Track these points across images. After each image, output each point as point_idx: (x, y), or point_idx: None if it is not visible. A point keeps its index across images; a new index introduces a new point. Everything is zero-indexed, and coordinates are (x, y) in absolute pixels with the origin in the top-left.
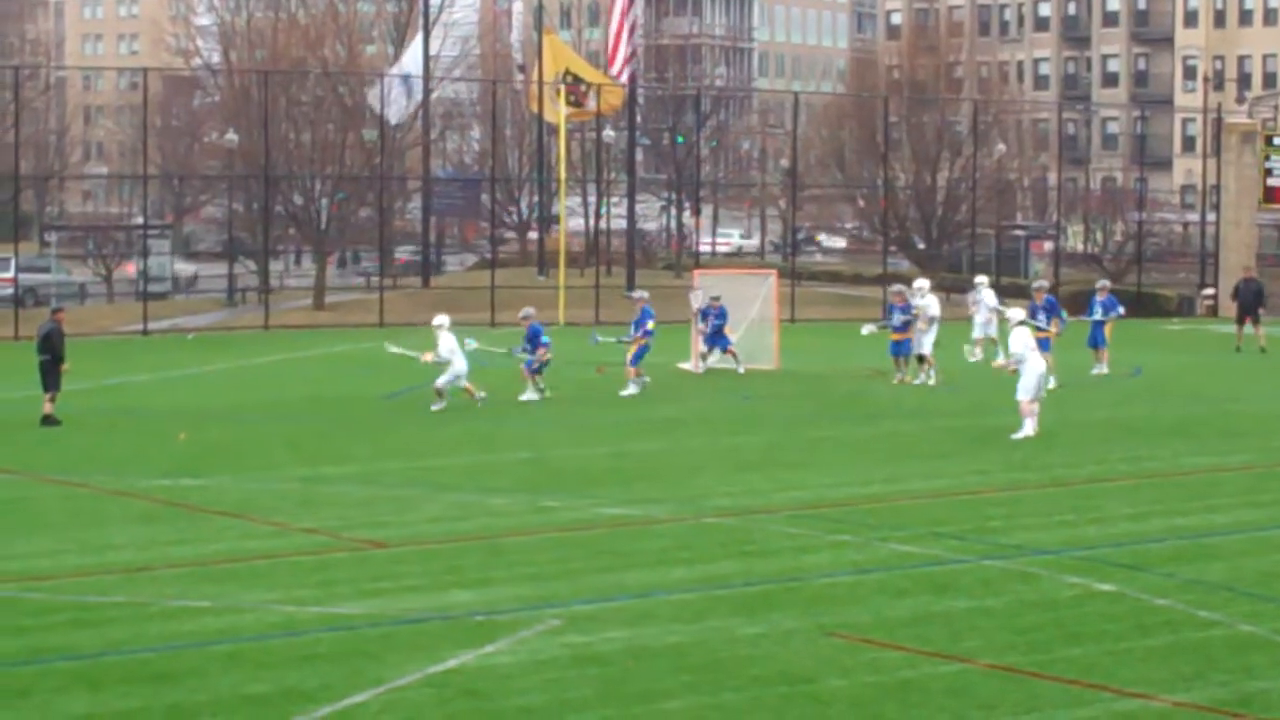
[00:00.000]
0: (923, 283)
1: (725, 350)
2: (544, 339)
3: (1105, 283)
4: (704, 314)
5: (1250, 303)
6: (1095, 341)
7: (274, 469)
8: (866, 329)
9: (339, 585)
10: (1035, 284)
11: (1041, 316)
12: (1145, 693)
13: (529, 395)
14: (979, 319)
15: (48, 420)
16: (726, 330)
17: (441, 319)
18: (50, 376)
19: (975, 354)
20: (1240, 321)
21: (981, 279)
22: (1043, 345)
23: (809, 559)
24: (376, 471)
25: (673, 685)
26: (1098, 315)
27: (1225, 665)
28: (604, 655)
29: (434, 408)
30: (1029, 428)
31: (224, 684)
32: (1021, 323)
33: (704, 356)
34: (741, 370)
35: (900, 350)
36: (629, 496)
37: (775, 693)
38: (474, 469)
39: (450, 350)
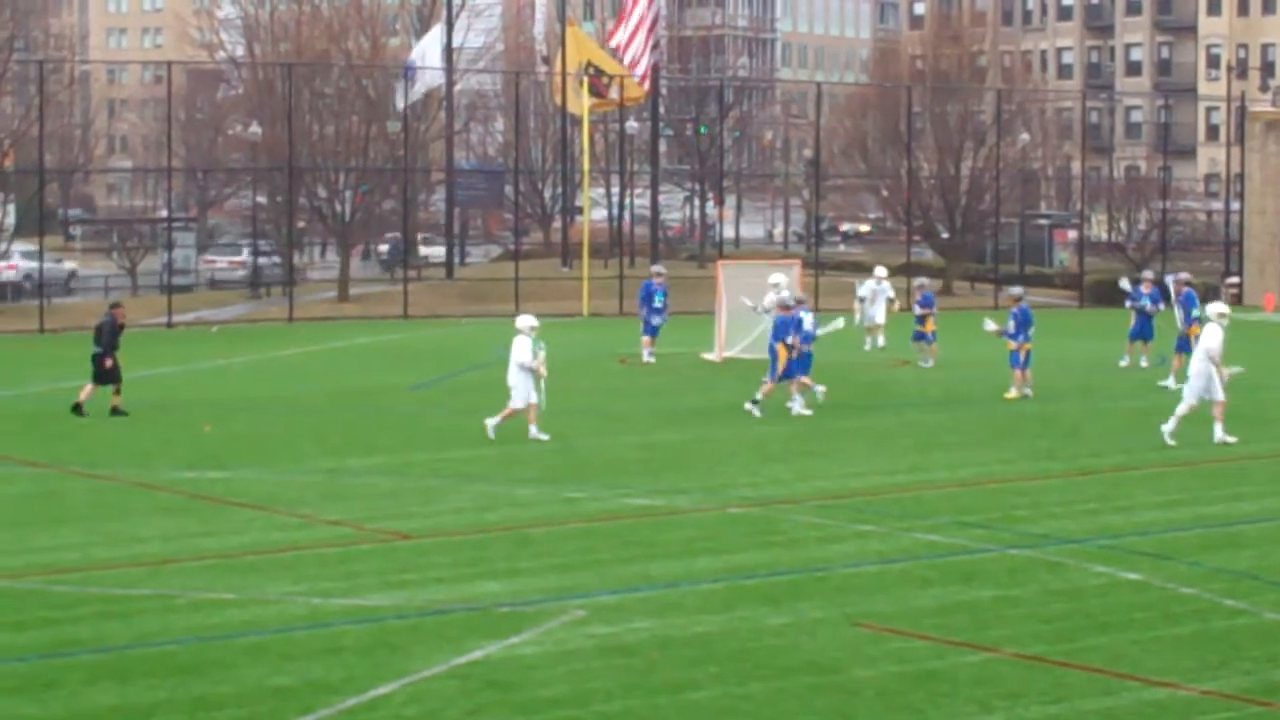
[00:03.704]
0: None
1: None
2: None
3: (1149, 274)
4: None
5: None
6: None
7: (299, 461)
8: (988, 326)
9: (364, 577)
10: (1011, 291)
11: (1011, 325)
12: (1172, 681)
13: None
14: (876, 309)
15: (115, 412)
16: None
17: (526, 320)
18: (99, 369)
19: (879, 341)
20: None
21: (881, 270)
22: (1011, 359)
23: (834, 549)
24: (402, 463)
25: (699, 676)
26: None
27: (1251, 654)
28: (630, 646)
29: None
30: None
31: (249, 676)
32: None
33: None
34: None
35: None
36: (655, 487)
37: (802, 683)
38: (500, 460)
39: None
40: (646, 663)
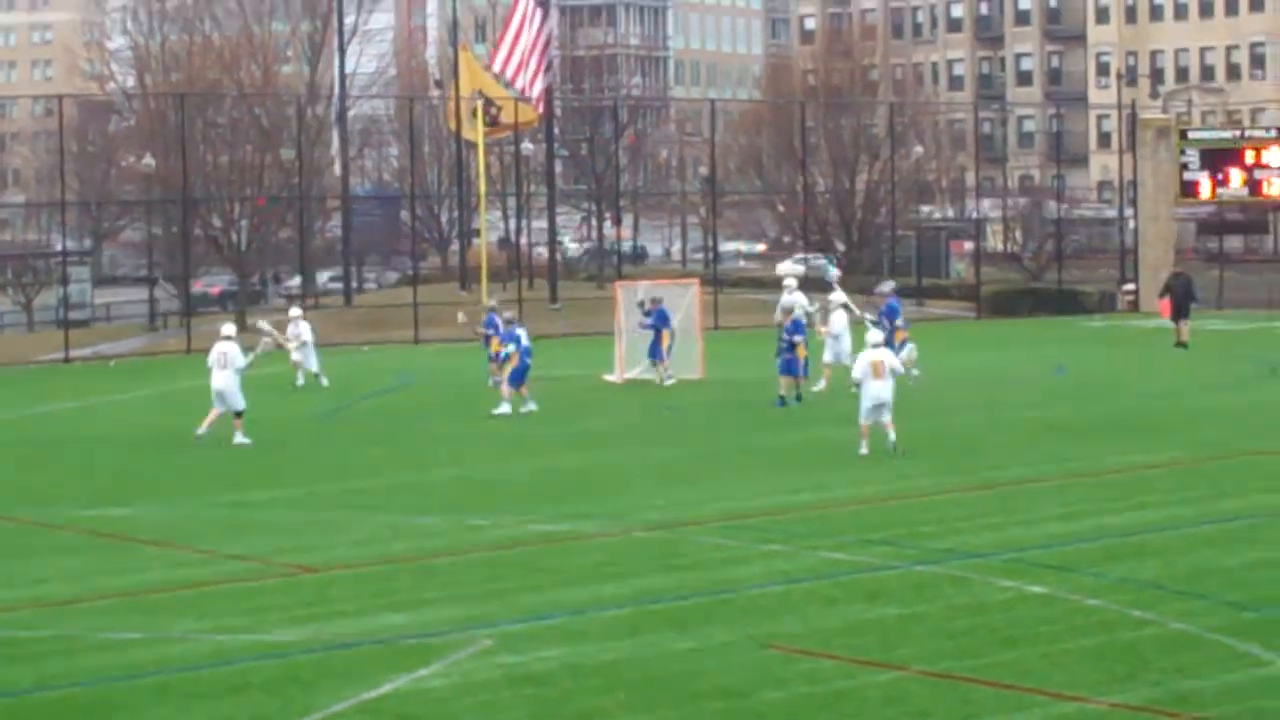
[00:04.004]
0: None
1: (658, 362)
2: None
3: (886, 286)
4: (655, 314)
5: (1182, 298)
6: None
7: (201, 495)
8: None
9: (269, 612)
10: (880, 287)
11: (885, 321)
12: (1080, 695)
13: (504, 409)
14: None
15: None
16: (664, 338)
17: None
18: None
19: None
20: (1176, 318)
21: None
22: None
23: (740, 570)
24: (305, 495)
25: (608, 703)
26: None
27: (1158, 664)
28: (539, 675)
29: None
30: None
31: (155, 717)
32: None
33: (660, 366)
34: (670, 381)
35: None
36: (558, 512)
37: (712, 707)
38: (402, 489)
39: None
40: (556, 692)
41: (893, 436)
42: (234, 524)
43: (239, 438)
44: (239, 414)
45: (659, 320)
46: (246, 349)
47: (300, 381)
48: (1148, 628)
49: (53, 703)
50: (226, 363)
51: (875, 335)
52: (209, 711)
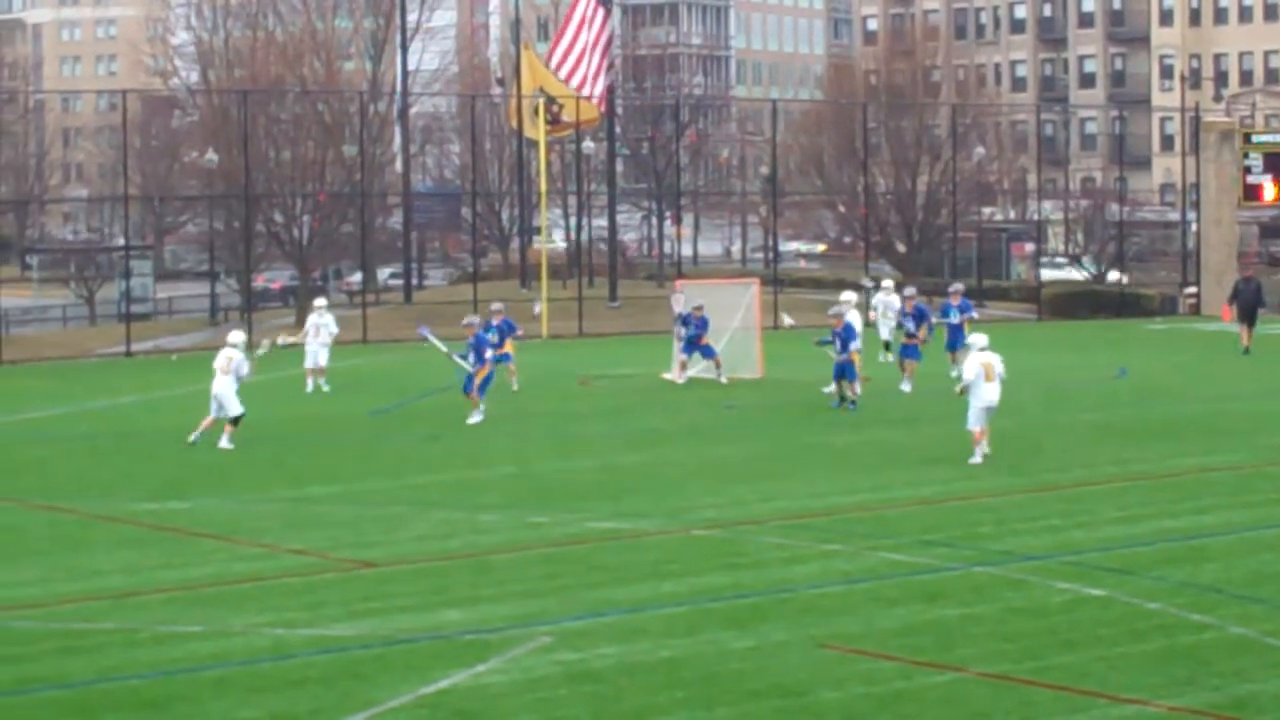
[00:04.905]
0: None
1: (710, 358)
2: (488, 354)
3: (959, 286)
4: (684, 320)
5: (1251, 303)
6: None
7: (261, 489)
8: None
9: (328, 606)
10: (906, 291)
11: (910, 324)
12: (1139, 698)
13: (475, 418)
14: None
15: None
16: (705, 339)
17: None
18: None
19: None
20: (1243, 322)
21: (887, 282)
22: (912, 352)
23: (798, 569)
24: (363, 490)
25: (666, 701)
26: (954, 318)
27: (1218, 669)
28: (596, 672)
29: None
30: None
31: (214, 710)
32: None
33: (684, 365)
34: (724, 380)
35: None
36: (617, 510)
37: (769, 706)
38: (461, 485)
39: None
40: (613, 689)
41: (985, 447)
42: (293, 518)
43: (224, 441)
44: (235, 420)
45: (702, 328)
46: (249, 351)
47: (325, 388)
48: (1207, 632)
49: (113, 694)
50: (230, 369)
51: (981, 338)
52: (268, 705)
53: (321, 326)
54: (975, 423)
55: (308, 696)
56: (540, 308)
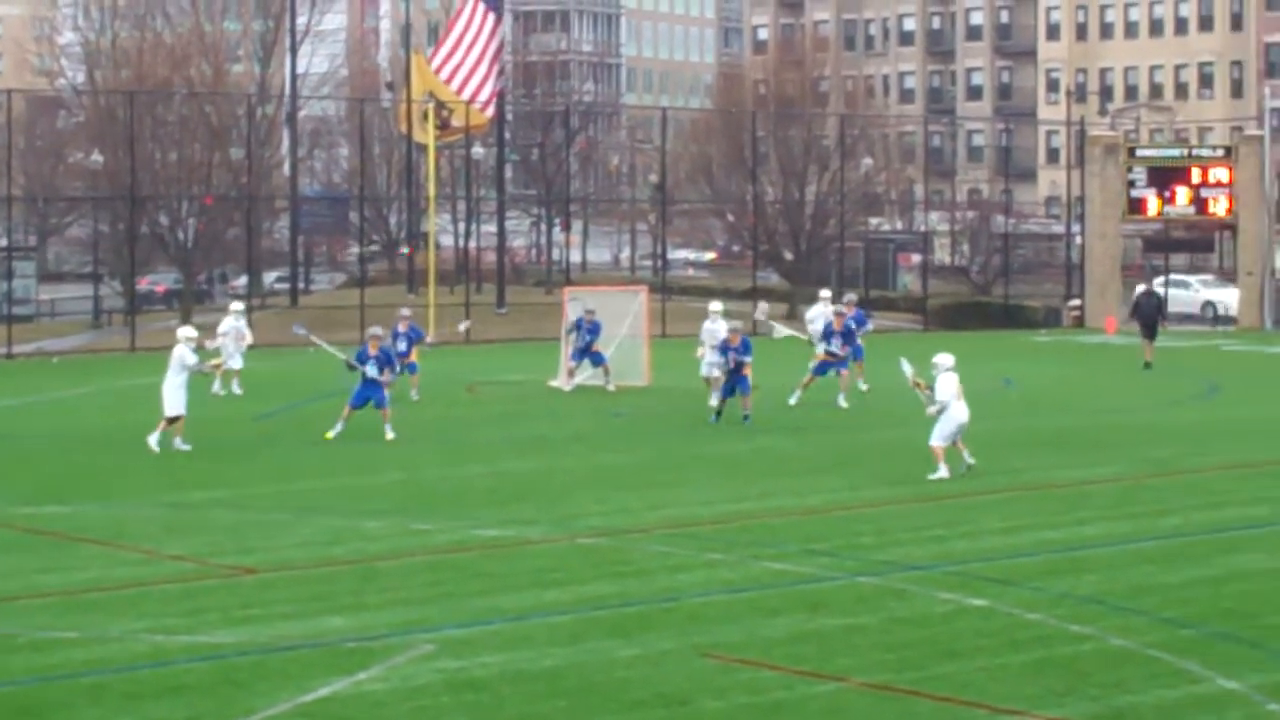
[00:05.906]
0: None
1: (600, 365)
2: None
3: (851, 296)
4: (577, 325)
5: (1151, 317)
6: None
7: (142, 494)
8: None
9: (208, 613)
10: (847, 297)
11: (833, 342)
12: (1019, 709)
13: (337, 428)
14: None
15: None
16: (596, 346)
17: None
18: None
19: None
20: (1145, 337)
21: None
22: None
23: (683, 578)
24: (246, 495)
25: (548, 710)
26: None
27: (1097, 679)
28: (478, 680)
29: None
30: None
31: (91, 717)
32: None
33: (572, 372)
34: (611, 387)
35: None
36: (503, 517)
37: (652, 716)
38: (347, 491)
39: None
40: (495, 698)
41: (969, 457)
42: (174, 524)
43: (151, 437)
44: (172, 419)
45: (594, 333)
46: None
47: (238, 390)
48: (1087, 643)
49: None
50: (173, 364)
51: (948, 358)
52: (145, 712)
53: (239, 330)
54: (940, 439)
55: (185, 704)
56: (466, 325)
